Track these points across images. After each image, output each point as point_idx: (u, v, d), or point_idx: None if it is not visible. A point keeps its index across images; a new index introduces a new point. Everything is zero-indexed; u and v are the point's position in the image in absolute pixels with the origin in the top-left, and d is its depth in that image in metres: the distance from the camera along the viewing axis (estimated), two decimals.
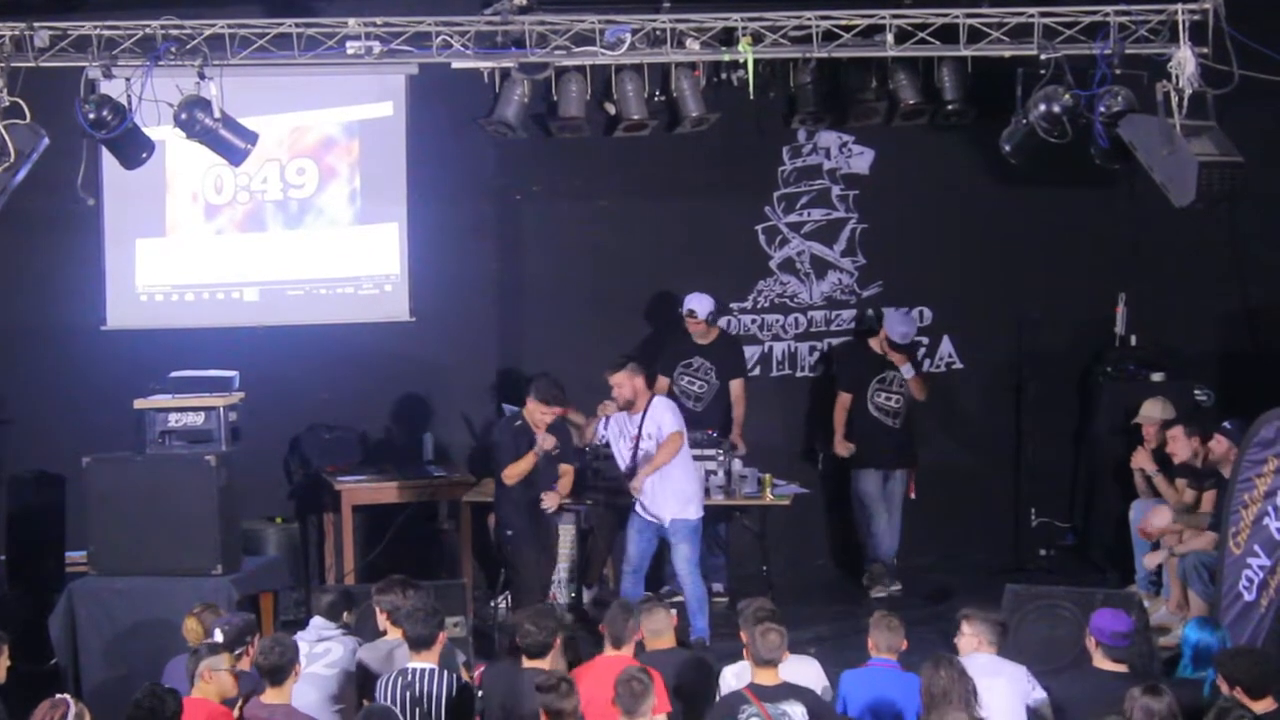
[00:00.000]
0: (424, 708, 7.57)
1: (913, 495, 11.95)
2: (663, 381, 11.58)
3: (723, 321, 12.47)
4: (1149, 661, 8.80)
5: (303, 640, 8.24)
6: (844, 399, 11.96)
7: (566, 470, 10.77)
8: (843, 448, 11.97)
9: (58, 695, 6.84)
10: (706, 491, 11.03)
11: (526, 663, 7.62)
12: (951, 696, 6.98)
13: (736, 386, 11.80)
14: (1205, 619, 8.14)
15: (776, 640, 7.44)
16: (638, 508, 10.43)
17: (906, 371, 11.82)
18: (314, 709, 7.83)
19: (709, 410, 11.69)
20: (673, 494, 10.34)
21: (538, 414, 10.41)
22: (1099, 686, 7.58)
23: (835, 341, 12.71)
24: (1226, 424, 10.34)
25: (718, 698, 7.85)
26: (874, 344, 11.99)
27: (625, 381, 10.35)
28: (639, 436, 10.36)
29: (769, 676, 7.47)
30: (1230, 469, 9.97)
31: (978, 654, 7.79)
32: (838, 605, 11.57)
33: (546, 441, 10.32)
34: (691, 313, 11.65)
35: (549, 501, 10.55)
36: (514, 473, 10.38)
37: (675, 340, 11.89)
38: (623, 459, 10.49)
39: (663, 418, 10.33)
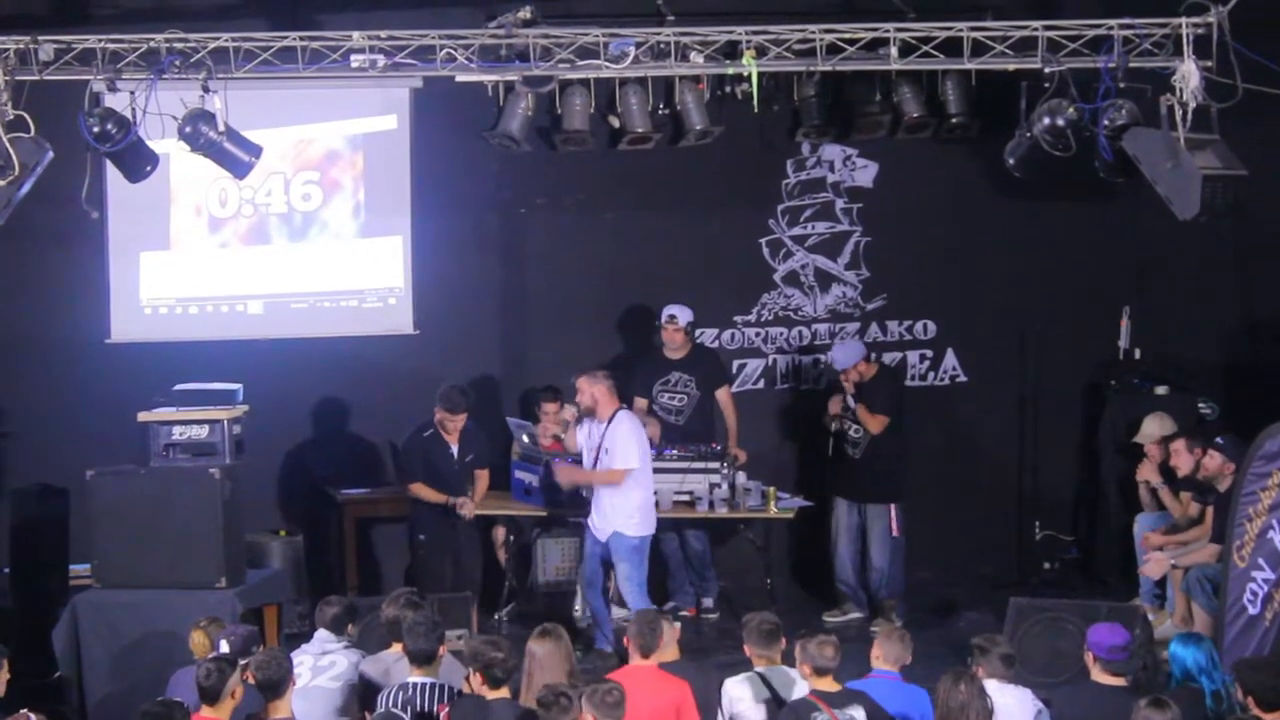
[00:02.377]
0: None
1: (895, 534, 11.34)
2: (641, 403, 11.40)
3: (727, 335, 12.47)
4: (1154, 675, 8.79)
5: (307, 653, 8.25)
6: None
7: (481, 474, 11.02)
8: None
9: (21, 711, 6.87)
10: (710, 504, 11.03)
11: (491, 693, 7.42)
12: (969, 712, 6.95)
13: (723, 395, 11.70)
14: (1188, 634, 8.09)
15: (832, 652, 7.57)
16: (587, 522, 10.45)
17: (850, 400, 11.40)
18: None
19: (690, 422, 11.55)
20: (611, 509, 10.26)
21: (447, 422, 10.76)
22: (1098, 700, 7.58)
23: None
24: (1219, 439, 10.32)
25: (719, 711, 7.87)
26: None
27: (585, 388, 10.31)
28: (599, 448, 10.30)
29: (828, 684, 7.56)
30: (1225, 484, 9.99)
31: (987, 681, 7.77)
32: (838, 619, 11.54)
33: (465, 508, 10.77)
34: (672, 318, 11.51)
35: (466, 510, 10.83)
36: (417, 493, 10.83)
37: (646, 360, 11.77)
38: (587, 465, 10.46)
39: (623, 443, 10.18)
